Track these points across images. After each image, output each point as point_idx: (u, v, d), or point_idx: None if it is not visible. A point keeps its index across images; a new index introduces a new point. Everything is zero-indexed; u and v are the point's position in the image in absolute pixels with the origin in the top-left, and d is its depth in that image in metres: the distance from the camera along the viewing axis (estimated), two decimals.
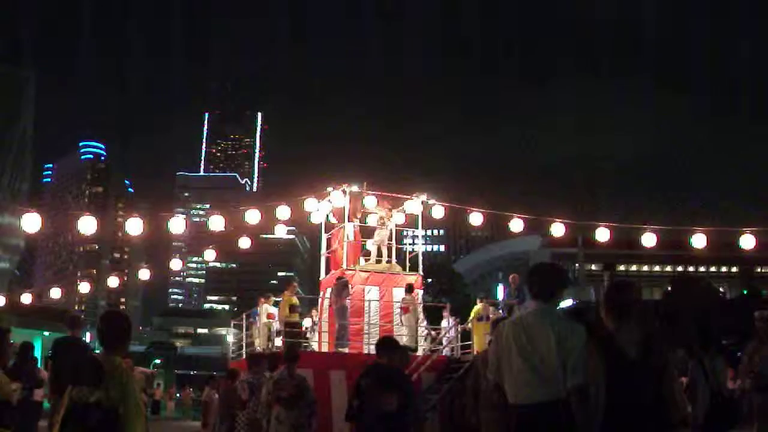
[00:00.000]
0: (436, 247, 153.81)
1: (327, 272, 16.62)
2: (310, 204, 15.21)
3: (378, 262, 15.75)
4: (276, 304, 15.51)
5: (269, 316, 15.44)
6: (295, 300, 14.98)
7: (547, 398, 3.84)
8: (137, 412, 3.95)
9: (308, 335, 15.73)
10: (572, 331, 3.91)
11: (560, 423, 3.80)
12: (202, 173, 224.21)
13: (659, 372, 3.92)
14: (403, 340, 14.06)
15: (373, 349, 13.39)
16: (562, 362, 3.82)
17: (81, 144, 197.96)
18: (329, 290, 15.26)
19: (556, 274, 4.30)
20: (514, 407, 4.03)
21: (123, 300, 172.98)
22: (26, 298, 22.19)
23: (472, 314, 15.24)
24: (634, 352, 3.92)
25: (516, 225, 14.74)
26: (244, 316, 16.60)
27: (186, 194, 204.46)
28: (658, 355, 3.99)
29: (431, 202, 15.74)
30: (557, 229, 14.70)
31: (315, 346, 15.02)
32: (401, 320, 14.63)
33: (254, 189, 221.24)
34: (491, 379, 4.28)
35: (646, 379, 3.88)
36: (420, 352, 14.27)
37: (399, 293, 15.00)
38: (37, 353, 11.76)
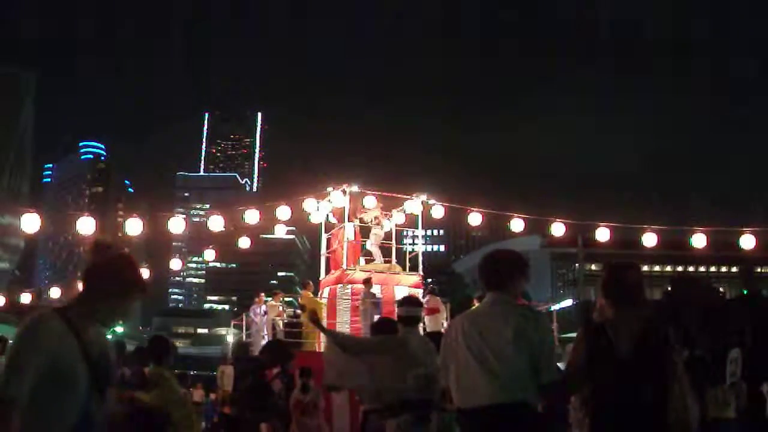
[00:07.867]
0: (436, 247, 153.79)
1: (327, 272, 16.58)
2: (310, 204, 15.16)
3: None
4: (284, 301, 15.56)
5: (279, 314, 15.42)
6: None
7: (501, 400, 3.32)
8: (180, 409, 5.39)
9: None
10: (534, 321, 3.47)
11: (518, 428, 3.32)
12: (202, 173, 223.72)
13: (658, 368, 3.27)
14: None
15: None
16: (529, 359, 3.34)
17: (81, 144, 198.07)
18: (329, 288, 15.26)
19: (510, 260, 3.74)
20: (462, 412, 3.50)
21: None
22: (26, 298, 22.21)
23: None
24: (627, 346, 3.30)
25: (516, 225, 14.73)
26: (244, 316, 16.56)
27: (186, 194, 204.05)
28: (658, 349, 3.31)
29: (431, 202, 15.67)
30: (557, 229, 14.71)
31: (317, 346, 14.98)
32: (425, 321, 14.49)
33: (254, 189, 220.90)
34: (443, 384, 3.82)
35: (640, 376, 3.24)
36: None
37: (400, 292, 14.94)
38: None
